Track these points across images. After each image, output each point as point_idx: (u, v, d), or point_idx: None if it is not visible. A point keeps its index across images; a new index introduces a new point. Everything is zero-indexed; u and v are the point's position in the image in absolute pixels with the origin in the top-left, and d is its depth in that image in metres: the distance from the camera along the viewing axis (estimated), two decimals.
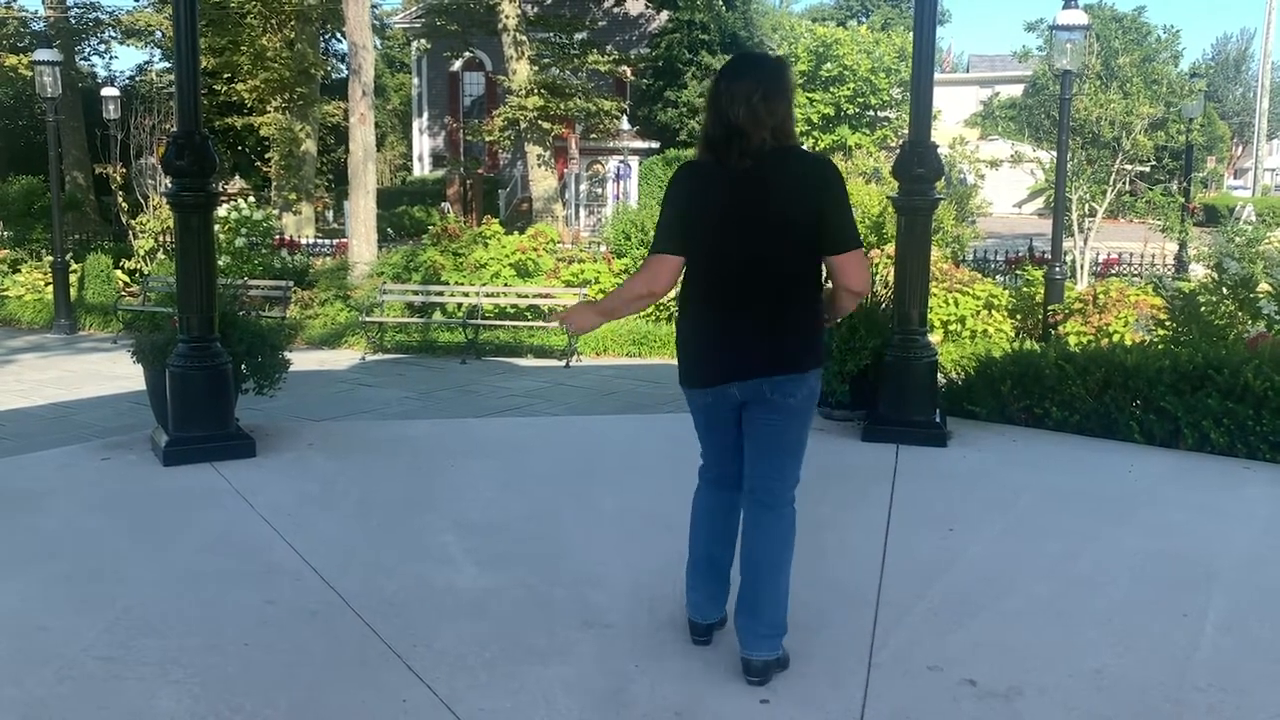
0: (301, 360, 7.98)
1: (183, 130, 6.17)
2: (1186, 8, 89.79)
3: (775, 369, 3.36)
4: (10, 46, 30.32)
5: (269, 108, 28.27)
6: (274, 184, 29.17)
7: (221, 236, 17.01)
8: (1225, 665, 3.69)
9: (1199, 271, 15.52)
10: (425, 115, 37.50)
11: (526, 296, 15.13)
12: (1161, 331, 8.33)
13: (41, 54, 17.77)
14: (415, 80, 38.14)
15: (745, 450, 3.52)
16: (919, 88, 6.53)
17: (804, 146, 3.50)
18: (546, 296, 15.14)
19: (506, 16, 24.52)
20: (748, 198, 3.31)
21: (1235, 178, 54.52)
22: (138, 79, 35.55)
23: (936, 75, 7.20)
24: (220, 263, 15.10)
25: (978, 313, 13.05)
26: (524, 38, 25.21)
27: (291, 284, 16.91)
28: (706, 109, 3.39)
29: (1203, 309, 7.93)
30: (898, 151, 6.69)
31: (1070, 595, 4.26)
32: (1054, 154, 15.48)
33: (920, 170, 6.41)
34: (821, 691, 3.47)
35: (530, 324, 14.89)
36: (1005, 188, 28.43)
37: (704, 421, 3.59)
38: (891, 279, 7.02)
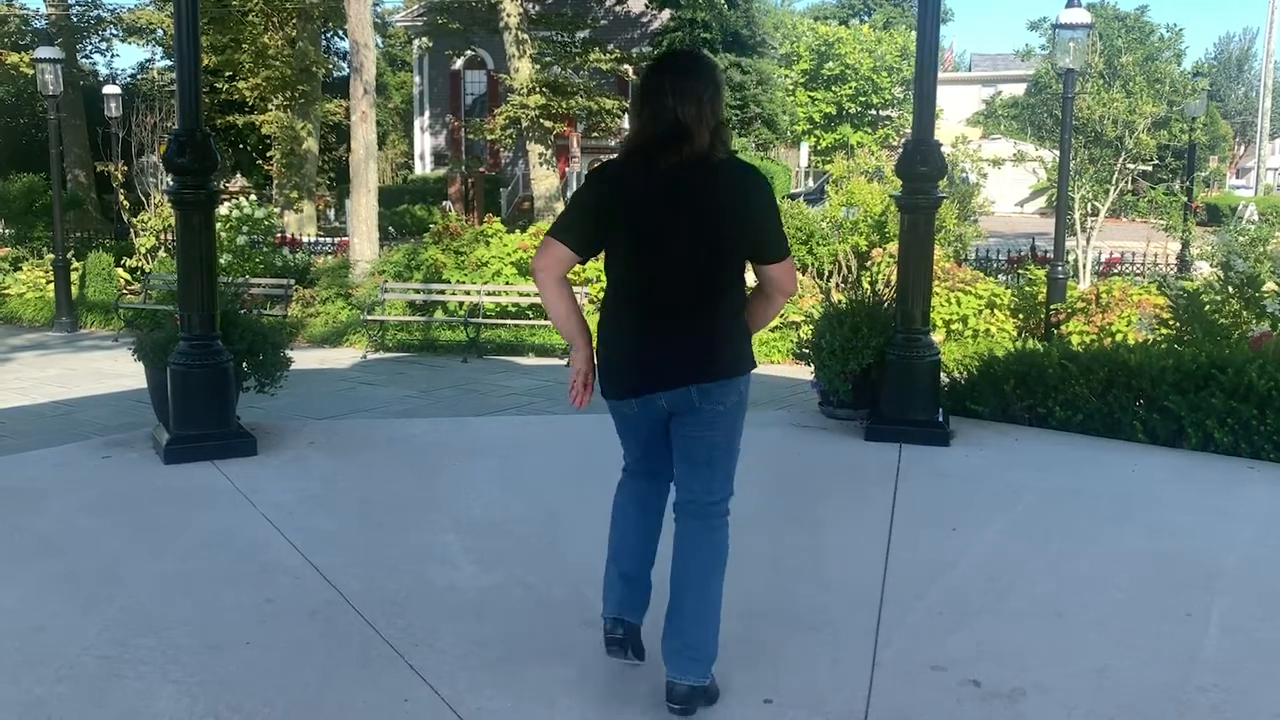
0: (303, 359, 7.97)
1: (184, 128, 6.16)
2: (1189, 7, 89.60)
3: (703, 376, 3.20)
4: (12, 44, 30.33)
5: (270, 106, 28.27)
6: (275, 182, 29.18)
7: (223, 234, 16.99)
8: (1229, 666, 3.67)
9: (1204, 270, 15.48)
10: (427, 114, 37.49)
11: (528, 295, 15.09)
12: (1164, 331, 8.30)
13: (43, 52, 17.75)
14: (417, 79, 38.13)
15: (676, 464, 3.37)
16: (922, 86, 6.50)
17: (736, 154, 3.37)
18: None
19: (508, 15, 24.49)
20: (677, 201, 3.15)
21: (1237, 177, 54.45)
22: (139, 77, 35.60)
23: (939, 74, 7.17)
24: (221, 261, 15.08)
25: (980, 312, 13.03)
26: (526, 36, 25.19)
27: (293, 282, 16.87)
28: (643, 105, 3.19)
29: (1207, 308, 7.90)
30: (900, 150, 6.67)
31: (1073, 595, 4.24)
32: (1056, 153, 15.44)
33: (924, 169, 6.39)
34: (825, 691, 3.46)
35: (532, 322, 14.87)
36: (1007, 187, 28.40)
37: (628, 430, 3.44)
38: (894, 278, 7.00)
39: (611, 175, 3.28)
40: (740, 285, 3.28)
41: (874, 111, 40.41)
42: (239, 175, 32.61)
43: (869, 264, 14.74)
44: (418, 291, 15.63)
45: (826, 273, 15.62)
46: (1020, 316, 13.29)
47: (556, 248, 3.24)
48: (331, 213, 34.05)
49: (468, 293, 15.15)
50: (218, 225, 11.75)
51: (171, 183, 6.26)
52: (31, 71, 23.48)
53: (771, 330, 13.71)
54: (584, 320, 3.37)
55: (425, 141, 37.91)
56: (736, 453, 3.37)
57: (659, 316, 3.21)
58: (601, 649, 3.64)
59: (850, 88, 39.04)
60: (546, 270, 3.26)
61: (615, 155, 3.38)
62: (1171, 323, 8.19)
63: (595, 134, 30.37)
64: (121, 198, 20.61)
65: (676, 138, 3.12)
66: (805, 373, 7.83)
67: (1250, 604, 4.21)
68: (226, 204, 18.21)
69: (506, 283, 15.44)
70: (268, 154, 29.75)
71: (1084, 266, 16.18)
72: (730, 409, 3.27)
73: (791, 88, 38.83)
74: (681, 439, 3.31)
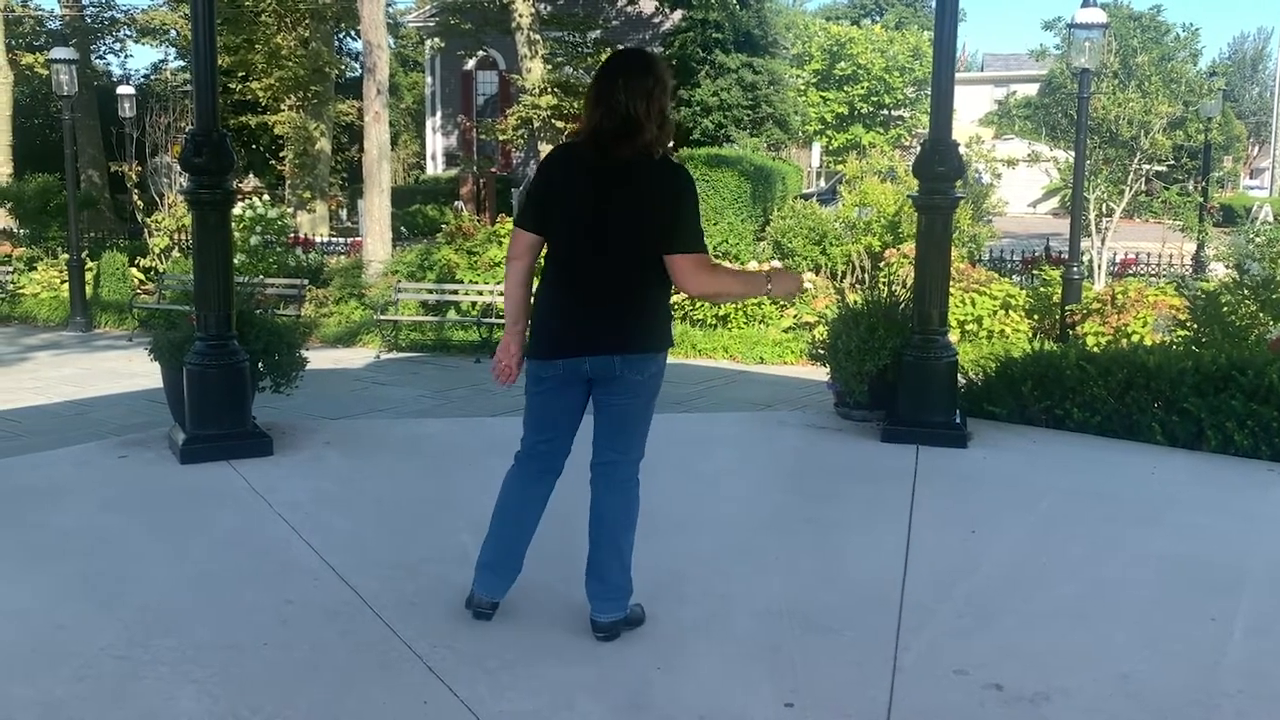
0: (317, 359, 7.95)
1: (201, 128, 6.16)
2: (1203, 6, 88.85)
3: (626, 348, 3.55)
4: (27, 45, 30.41)
5: (283, 106, 28.28)
6: (288, 182, 29.19)
7: (236, 235, 17.00)
8: (1255, 670, 3.64)
9: (1219, 271, 15.36)
10: (439, 114, 37.43)
11: None
12: (1182, 332, 8.25)
13: (58, 52, 17.76)
14: (429, 79, 38.06)
15: (595, 428, 3.74)
16: (940, 85, 6.45)
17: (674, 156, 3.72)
18: None
19: (520, 15, 24.44)
20: (618, 191, 3.48)
21: (1251, 177, 54.15)
22: (152, 77, 35.65)
23: None
24: (235, 261, 15.08)
25: (994, 313, 12.92)
26: (537, 36, 25.14)
27: (306, 282, 16.85)
28: (597, 101, 3.49)
29: (1224, 309, 7.85)
30: (912, 150, 6.65)
31: (1095, 598, 4.22)
32: (1070, 153, 15.32)
33: (941, 168, 6.35)
34: (846, 695, 3.44)
35: None
36: (1021, 187, 28.30)
37: (547, 396, 3.69)
38: (909, 279, 6.96)
39: (559, 160, 3.64)
40: (664, 272, 3.58)
41: (886, 111, 40.23)
42: (252, 175, 32.62)
43: (883, 264, 14.67)
44: (431, 292, 15.61)
45: (840, 273, 15.56)
46: (1035, 317, 13.18)
47: (522, 235, 3.64)
48: (344, 213, 34.06)
49: (480, 293, 15.13)
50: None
51: (188, 183, 6.26)
52: (46, 72, 23.51)
53: (785, 331, 13.66)
54: (528, 309, 3.72)
55: (437, 142, 37.87)
56: (649, 423, 3.76)
57: (591, 291, 3.55)
58: (621, 650, 3.70)
59: (862, 88, 38.89)
60: (519, 259, 3.66)
61: (571, 139, 3.71)
62: (1189, 324, 8.14)
63: None
64: (135, 197, 20.62)
65: (628, 131, 3.44)
66: (820, 373, 7.81)
67: (1276, 607, 4.18)
68: (240, 204, 18.20)
69: None
70: (280, 154, 29.76)
71: (1099, 267, 16.05)
72: (649, 380, 3.64)
73: (803, 88, 38.65)
74: (604, 405, 3.69)
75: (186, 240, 18.43)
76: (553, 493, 3.91)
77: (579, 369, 3.60)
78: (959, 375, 6.77)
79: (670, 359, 3.84)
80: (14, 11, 29.20)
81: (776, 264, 3.77)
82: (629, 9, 32.54)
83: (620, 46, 27.00)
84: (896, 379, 6.56)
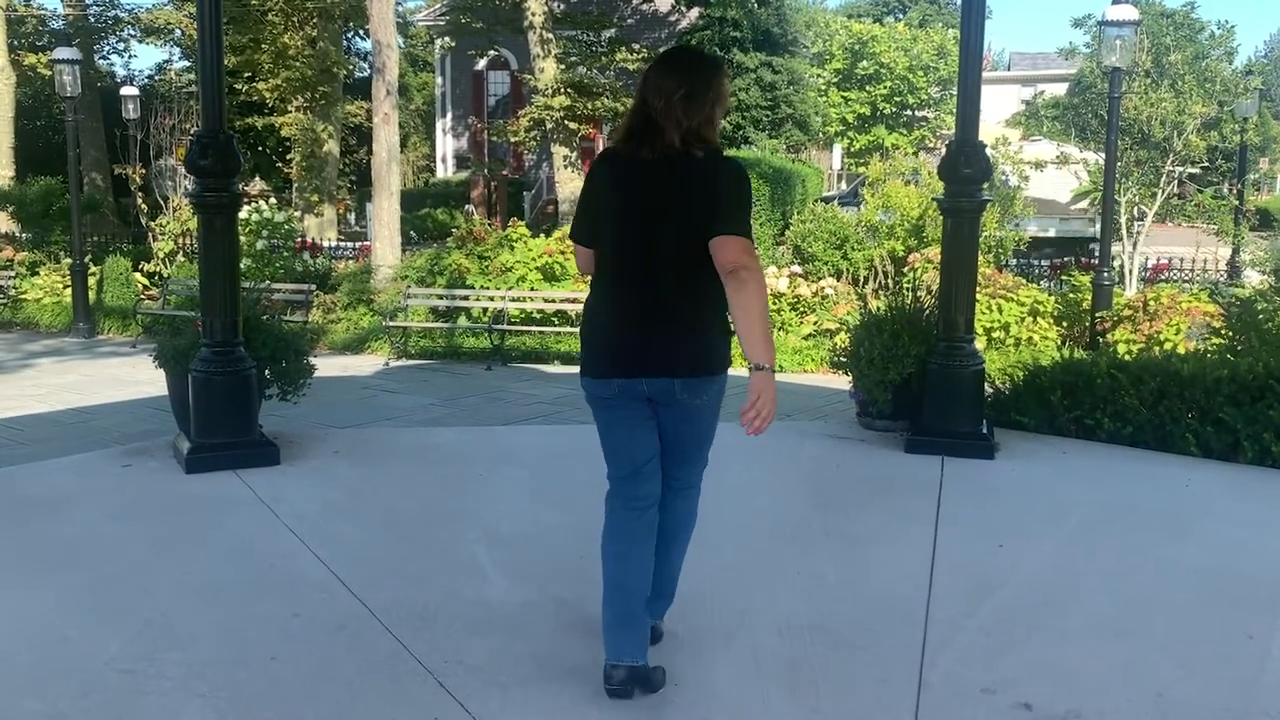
0: (324, 366, 7.88)
1: (207, 130, 6.09)
2: (1238, 3, 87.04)
3: (684, 371, 3.33)
4: (29, 45, 30.35)
5: (290, 107, 28.24)
6: (295, 185, 29.11)
7: (242, 239, 16.89)
8: None
9: (1254, 278, 15.09)
10: (449, 115, 37.34)
11: (553, 301, 14.95)
12: (1217, 340, 8.08)
13: (61, 52, 17.65)
14: (439, 79, 37.97)
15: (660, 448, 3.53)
16: (966, 85, 6.33)
17: (725, 154, 3.45)
18: (574, 301, 14.92)
19: (533, 14, 24.28)
20: (650, 192, 3.31)
21: None
22: (157, 78, 35.64)
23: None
24: (241, 266, 14.98)
25: (1022, 320, 12.65)
26: (550, 35, 24.97)
27: (314, 288, 16.74)
28: (635, 97, 3.43)
29: (1260, 316, 7.69)
30: (937, 151, 6.53)
31: (1128, 614, 4.11)
32: (1100, 155, 15.10)
33: (968, 171, 6.23)
34: (870, 714, 3.36)
35: (557, 329, 14.73)
36: (1050, 191, 28.01)
37: (610, 413, 3.45)
38: (933, 284, 6.83)
39: (600, 163, 3.49)
40: (718, 282, 3.29)
41: (910, 112, 39.80)
42: (258, 178, 32.52)
43: (906, 269, 14.50)
44: (441, 297, 15.51)
45: (862, 279, 15.39)
46: (1064, 324, 12.90)
47: (579, 250, 3.54)
48: (352, 217, 34.03)
49: (491, 299, 15.02)
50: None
51: (193, 186, 6.19)
52: (49, 73, 23.47)
53: (805, 338, 13.52)
54: None
55: (447, 144, 37.79)
56: (713, 435, 3.55)
57: (641, 303, 3.33)
58: None
59: (885, 87, 38.43)
60: (587, 270, 3.54)
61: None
62: (1224, 331, 7.98)
63: None
64: (140, 201, 20.57)
65: (648, 132, 3.30)
66: (841, 382, 7.70)
67: None
68: (246, 207, 18.10)
69: (531, 288, 15.30)
70: (287, 156, 29.71)
71: (1130, 272, 15.78)
72: (709, 401, 3.43)
73: (824, 88, 38.18)
74: (665, 429, 3.46)
75: (191, 244, 18.37)
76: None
77: (636, 389, 3.36)
78: (986, 384, 6.64)
79: None
80: (16, 11, 29.12)
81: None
82: (644, 7, 32.38)
83: (635, 45, 26.77)
84: (921, 388, 6.45)
